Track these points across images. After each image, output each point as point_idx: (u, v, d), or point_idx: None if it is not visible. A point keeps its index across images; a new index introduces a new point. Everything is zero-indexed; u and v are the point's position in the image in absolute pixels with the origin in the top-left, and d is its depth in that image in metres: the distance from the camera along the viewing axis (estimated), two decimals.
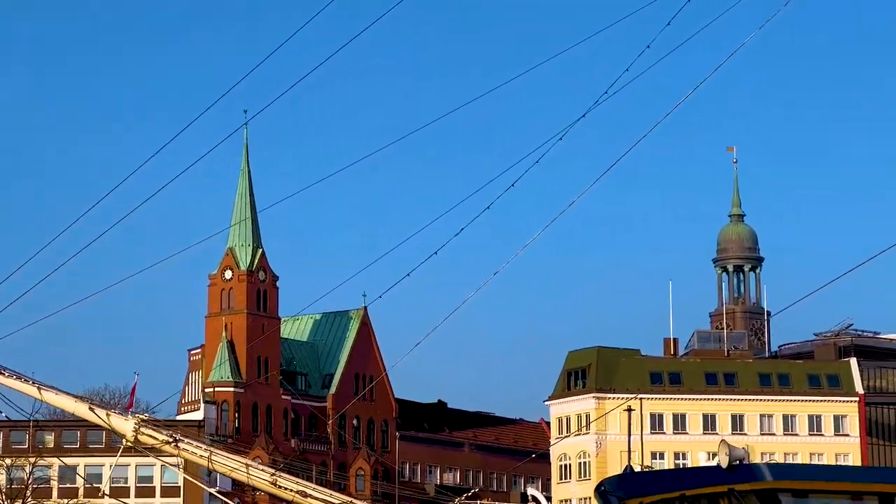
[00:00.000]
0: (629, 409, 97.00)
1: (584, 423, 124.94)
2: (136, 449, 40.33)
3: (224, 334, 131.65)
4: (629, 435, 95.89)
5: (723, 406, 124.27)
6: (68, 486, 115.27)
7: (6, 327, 38.65)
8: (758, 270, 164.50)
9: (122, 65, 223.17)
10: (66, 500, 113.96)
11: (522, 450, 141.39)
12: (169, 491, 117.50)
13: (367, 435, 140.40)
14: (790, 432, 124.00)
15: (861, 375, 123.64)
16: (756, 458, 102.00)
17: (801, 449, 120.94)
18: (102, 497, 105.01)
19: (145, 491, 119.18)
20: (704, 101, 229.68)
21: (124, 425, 39.04)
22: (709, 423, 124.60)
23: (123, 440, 39.57)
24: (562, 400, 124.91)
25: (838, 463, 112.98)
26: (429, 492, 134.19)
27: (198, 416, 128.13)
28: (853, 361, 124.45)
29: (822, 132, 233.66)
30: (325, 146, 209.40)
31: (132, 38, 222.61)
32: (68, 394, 39.24)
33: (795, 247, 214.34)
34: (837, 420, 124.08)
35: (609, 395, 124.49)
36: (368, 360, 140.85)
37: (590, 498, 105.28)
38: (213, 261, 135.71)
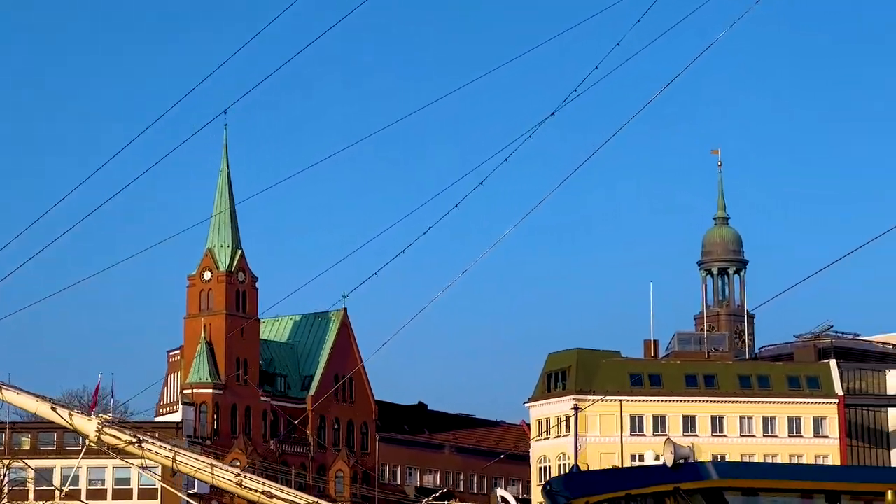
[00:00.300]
0: (575, 408, 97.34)
1: (563, 425, 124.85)
2: (100, 449, 40.12)
3: (203, 335, 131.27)
4: (575, 435, 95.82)
5: (703, 408, 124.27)
6: (45, 487, 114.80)
7: None
8: (742, 273, 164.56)
9: (101, 64, 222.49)
10: (41, 503, 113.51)
11: (503, 452, 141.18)
12: (147, 493, 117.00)
13: (346, 437, 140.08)
14: (770, 434, 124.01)
15: (841, 377, 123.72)
16: (736, 460, 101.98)
17: (781, 451, 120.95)
18: (61, 499, 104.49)
19: (122, 493, 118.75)
20: (689, 102, 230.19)
21: (87, 425, 38.81)
22: (689, 424, 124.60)
23: (87, 441, 39.32)
24: (542, 402, 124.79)
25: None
26: (409, 494, 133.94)
27: (176, 417, 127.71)
28: (833, 363, 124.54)
29: (808, 134, 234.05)
30: (305, 147, 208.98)
31: (115, 38, 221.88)
32: (30, 393, 38.97)
33: (780, 249, 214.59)
34: (817, 422, 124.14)
35: (589, 397, 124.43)
36: (348, 362, 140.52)
37: None
38: (192, 262, 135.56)
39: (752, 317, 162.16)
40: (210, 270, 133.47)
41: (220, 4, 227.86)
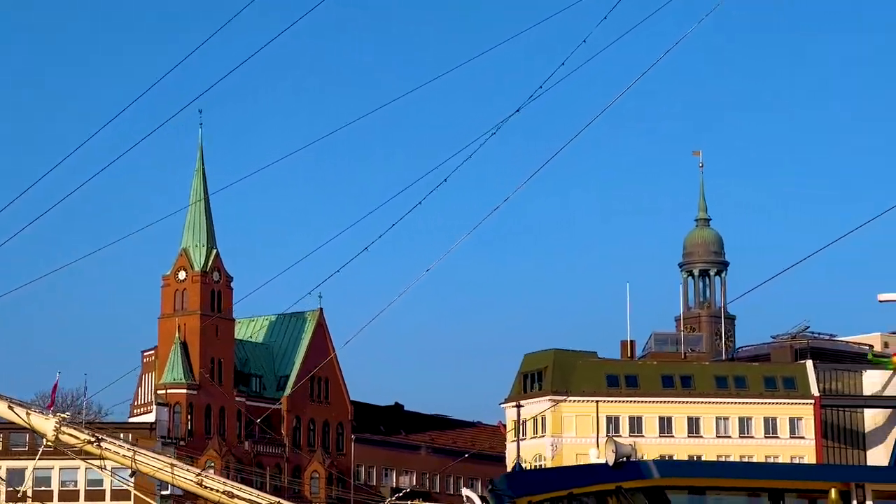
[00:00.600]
0: (518, 405, 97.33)
1: (539, 426, 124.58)
2: (59, 449, 39.74)
3: (177, 335, 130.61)
4: (518, 437, 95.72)
5: (679, 408, 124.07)
6: (19, 488, 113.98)
7: None
8: (723, 275, 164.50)
9: (102, 64, 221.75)
10: None
11: (479, 452, 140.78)
12: (119, 494, 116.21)
13: (322, 437, 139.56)
14: (746, 434, 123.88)
15: (817, 378, 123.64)
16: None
17: (757, 451, 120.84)
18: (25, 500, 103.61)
19: (95, 494, 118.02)
20: (671, 102, 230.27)
21: (45, 424, 38.49)
22: (665, 425, 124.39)
23: (45, 440, 38.96)
24: (518, 402, 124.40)
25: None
26: (385, 495, 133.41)
27: (150, 418, 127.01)
28: (809, 364, 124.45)
29: (790, 136, 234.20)
30: (281, 146, 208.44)
31: (115, 38, 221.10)
32: None
33: (761, 251, 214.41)
34: (793, 422, 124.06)
35: (565, 398, 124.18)
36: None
37: None
38: (167, 262, 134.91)
39: (732, 318, 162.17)
40: (185, 270, 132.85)
41: (220, 5, 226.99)
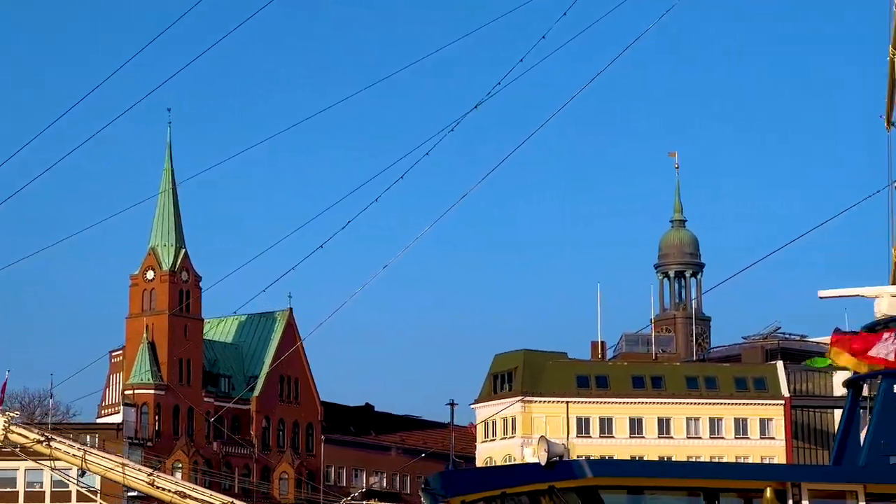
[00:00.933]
0: (451, 402, 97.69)
1: (510, 426, 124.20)
2: (8, 448, 39.41)
3: (145, 335, 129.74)
4: (451, 434, 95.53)
5: (649, 409, 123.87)
6: None
7: None
8: (699, 276, 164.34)
9: (101, 64, 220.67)
10: None
11: (448, 454, 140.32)
12: (85, 496, 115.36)
13: (291, 438, 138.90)
14: (716, 435, 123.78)
15: (787, 378, 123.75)
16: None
17: (728, 452, 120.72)
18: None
19: (61, 495, 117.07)
20: (647, 103, 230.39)
21: None
22: (636, 426, 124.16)
23: None
24: (488, 403, 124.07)
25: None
26: (355, 495, 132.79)
27: (118, 419, 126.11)
28: (780, 364, 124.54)
29: (766, 138, 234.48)
30: (250, 140, 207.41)
31: (115, 38, 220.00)
32: None
33: (737, 252, 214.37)
34: (763, 423, 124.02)
35: (535, 399, 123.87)
36: (293, 362, 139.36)
37: None
38: (135, 261, 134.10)
39: (708, 319, 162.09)
40: (153, 270, 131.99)
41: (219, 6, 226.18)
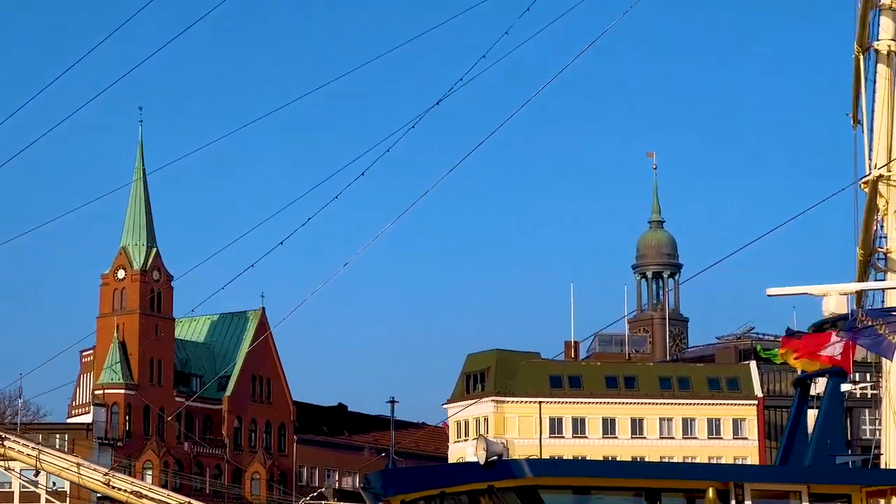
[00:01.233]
0: (392, 399, 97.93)
1: (482, 426, 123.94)
2: None
3: (116, 335, 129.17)
4: (391, 431, 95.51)
5: (622, 410, 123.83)
6: None
7: None
8: (677, 277, 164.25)
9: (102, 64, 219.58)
10: None
11: (423, 454, 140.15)
12: (55, 496, 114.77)
13: (263, 438, 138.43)
14: (689, 436, 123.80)
15: (760, 379, 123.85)
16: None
17: (700, 452, 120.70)
18: None
19: (30, 496, 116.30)
20: (624, 103, 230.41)
21: None
22: (608, 426, 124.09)
23: None
24: (460, 403, 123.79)
25: None
26: (328, 496, 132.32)
27: (88, 419, 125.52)
28: (753, 365, 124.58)
29: (745, 138, 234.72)
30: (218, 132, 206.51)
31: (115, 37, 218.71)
32: None
33: (715, 254, 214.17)
34: (736, 423, 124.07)
35: (508, 399, 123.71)
36: (266, 362, 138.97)
37: None
38: (106, 260, 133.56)
39: (686, 320, 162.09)
40: (124, 269, 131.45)
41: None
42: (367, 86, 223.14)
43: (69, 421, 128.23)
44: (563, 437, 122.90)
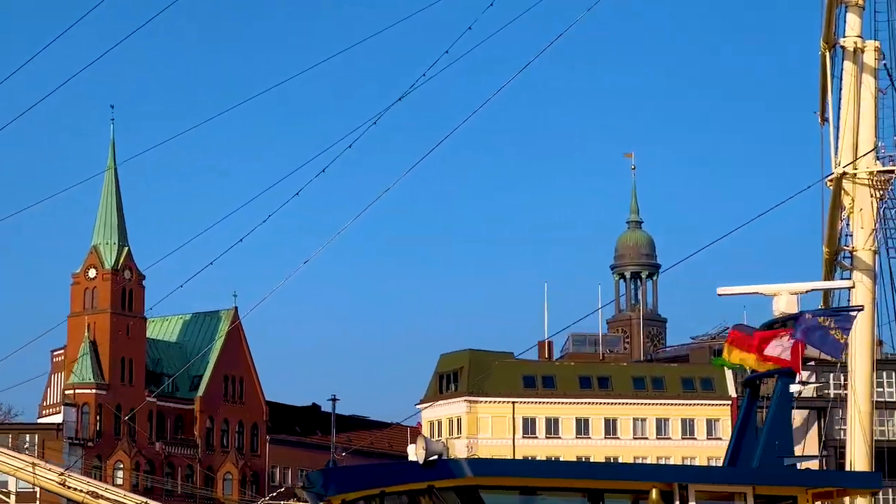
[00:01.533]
0: (333, 397, 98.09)
1: (455, 427, 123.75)
2: None
3: (87, 334, 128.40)
4: (332, 428, 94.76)
5: (596, 410, 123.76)
6: None
7: None
8: (655, 277, 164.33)
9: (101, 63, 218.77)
10: None
11: (397, 454, 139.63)
12: (25, 496, 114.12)
13: (236, 438, 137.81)
14: (663, 436, 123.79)
15: (734, 379, 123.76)
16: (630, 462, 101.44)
17: (674, 452, 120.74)
18: None
19: None
20: (603, 104, 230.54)
21: None
22: (582, 426, 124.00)
23: None
24: (434, 403, 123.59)
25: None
26: (300, 495, 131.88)
27: (59, 419, 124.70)
28: None
29: (724, 139, 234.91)
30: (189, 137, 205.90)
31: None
32: None
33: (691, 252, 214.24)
34: (710, 423, 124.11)
35: (481, 399, 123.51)
36: (238, 362, 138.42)
37: None
38: (77, 259, 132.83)
39: (664, 321, 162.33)
40: (95, 268, 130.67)
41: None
42: (330, 83, 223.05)
43: (40, 421, 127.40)
44: (536, 438, 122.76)
